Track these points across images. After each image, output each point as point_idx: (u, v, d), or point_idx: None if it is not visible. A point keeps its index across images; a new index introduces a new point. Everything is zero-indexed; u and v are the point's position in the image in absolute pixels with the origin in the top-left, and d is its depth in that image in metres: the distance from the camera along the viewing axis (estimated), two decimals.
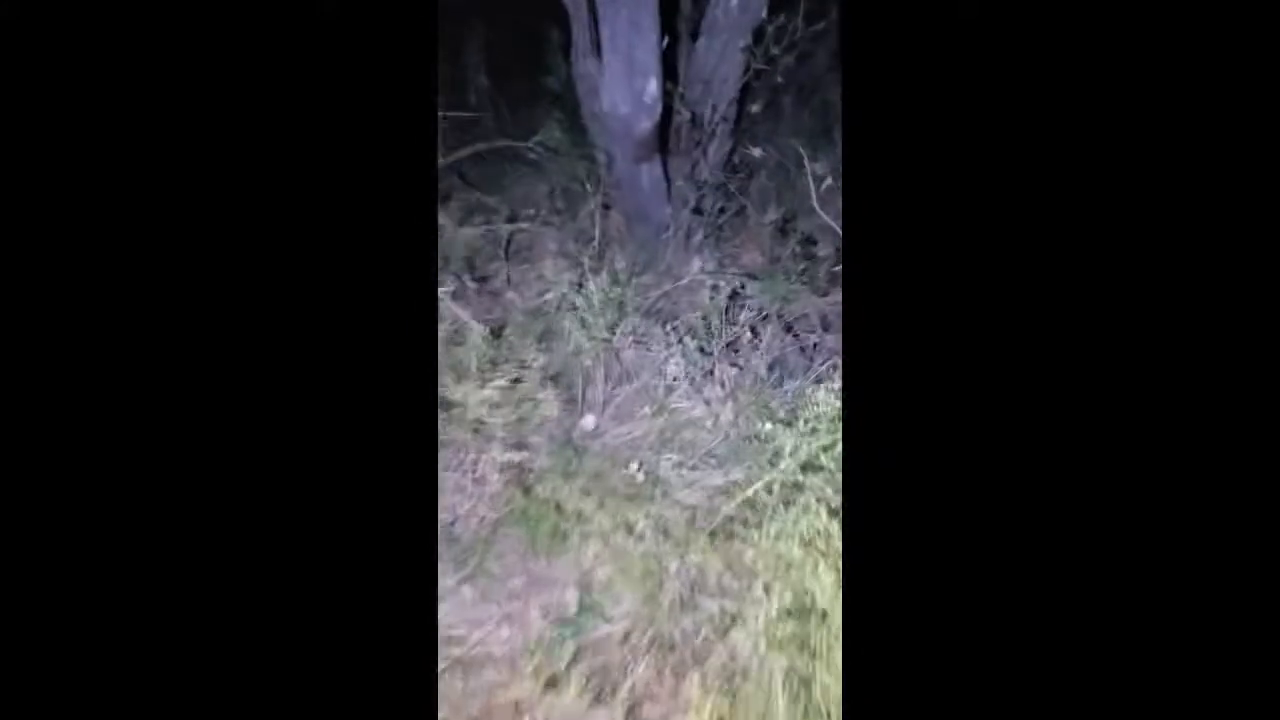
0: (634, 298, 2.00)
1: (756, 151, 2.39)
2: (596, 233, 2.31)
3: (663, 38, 2.10)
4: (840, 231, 2.05)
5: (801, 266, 2.21)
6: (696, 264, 2.56)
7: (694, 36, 2.44)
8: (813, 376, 1.77)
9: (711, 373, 1.83)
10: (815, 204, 2.02)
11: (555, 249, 2.34)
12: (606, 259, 2.29)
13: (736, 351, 1.90)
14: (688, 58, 2.50)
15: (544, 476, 1.61)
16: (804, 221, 2.38)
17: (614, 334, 1.88)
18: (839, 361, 1.73)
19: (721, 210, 2.49)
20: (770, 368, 1.85)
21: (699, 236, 2.53)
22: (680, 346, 1.86)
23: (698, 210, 2.45)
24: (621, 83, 2.06)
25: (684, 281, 2.28)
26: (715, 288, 1.96)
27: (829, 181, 1.95)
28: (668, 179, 2.49)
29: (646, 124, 2.23)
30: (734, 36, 2.43)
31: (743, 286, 2.13)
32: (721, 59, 2.47)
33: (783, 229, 2.38)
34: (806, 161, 2.12)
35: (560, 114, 2.44)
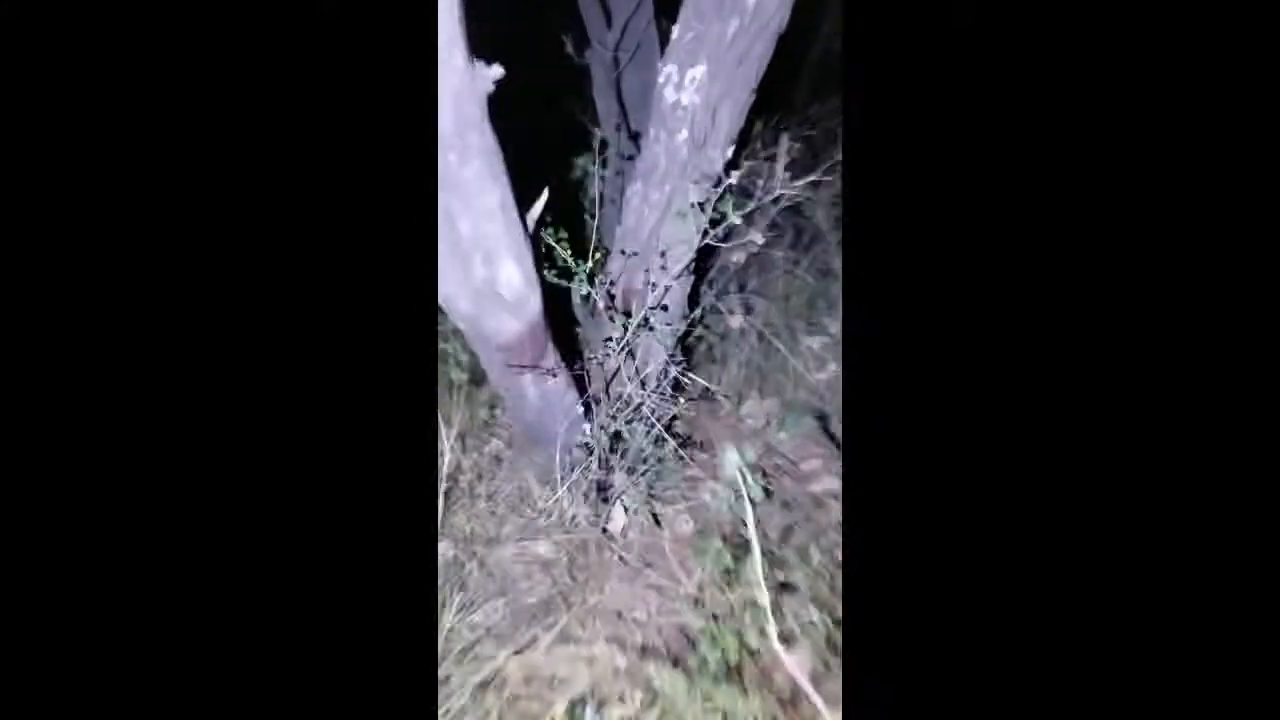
0: None
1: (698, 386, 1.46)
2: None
3: (533, 194, 1.23)
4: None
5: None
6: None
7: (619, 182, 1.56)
8: None
9: None
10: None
11: None
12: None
13: None
14: (608, 212, 1.62)
15: None
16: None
17: None
18: None
19: (660, 439, 1.55)
20: None
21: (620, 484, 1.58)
22: None
23: (616, 450, 1.52)
24: (452, 266, 1.18)
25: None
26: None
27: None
28: (583, 388, 1.58)
29: (513, 325, 1.33)
30: (681, 186, 1.56)
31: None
32: (663, 217, 1.59)
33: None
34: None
35: None
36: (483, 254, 1.18)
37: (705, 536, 1.56)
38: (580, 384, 1.63)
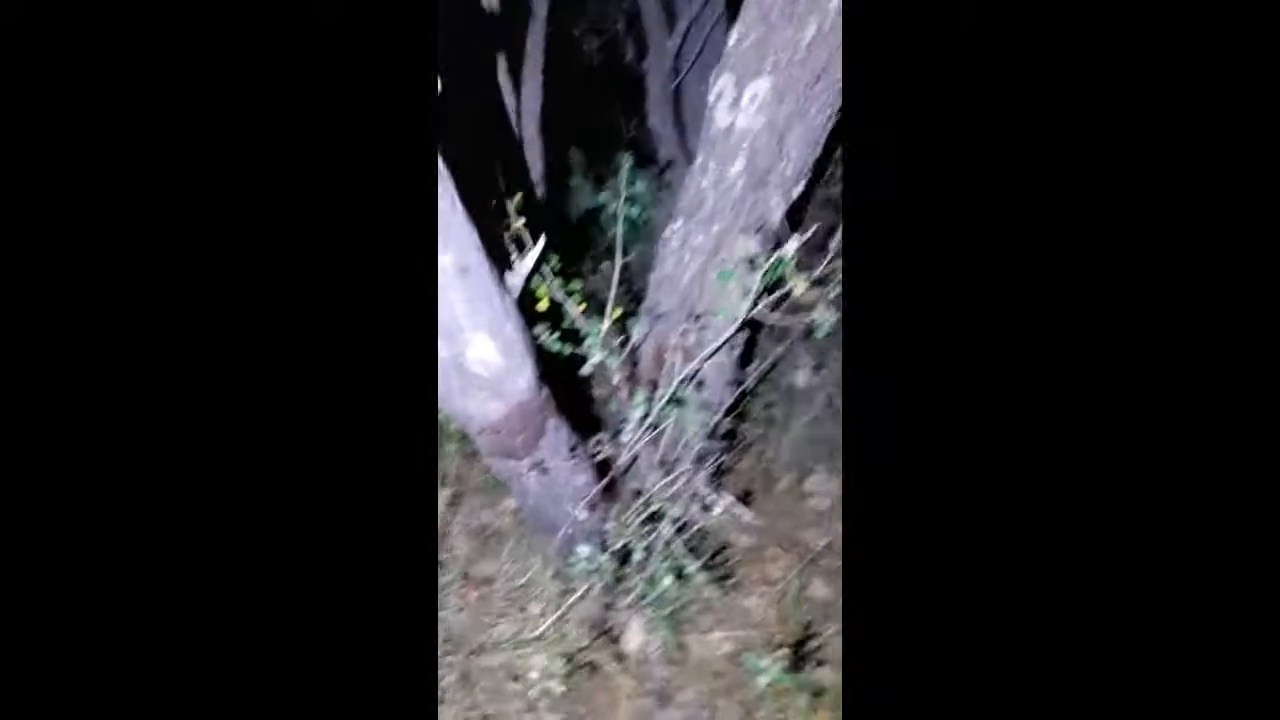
0: None
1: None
2: None
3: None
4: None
5: None
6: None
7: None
8: None
9: None
10: None
11: None
12: None
13: None
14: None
15: None
16: None
17: None
18: None
19: (680, 571, 1.21)
20: None
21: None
22: None
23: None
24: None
25: None
26: None
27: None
28: (604, 470, 1.27)
29: (495, 405, 1.03)
30: (730, 231, 1.23)
31: None
32: (706, 267, 1.26)
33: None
34: None
35: None
36: (441, 328, 0.88)
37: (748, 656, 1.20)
38: (600, 468, 1.32)
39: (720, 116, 1.19)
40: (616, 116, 1.97)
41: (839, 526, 1.57)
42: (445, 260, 0.81)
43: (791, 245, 0.97)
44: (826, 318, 1.00)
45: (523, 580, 1.53)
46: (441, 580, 1.51)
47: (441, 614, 1.45)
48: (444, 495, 1.61)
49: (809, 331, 1.05)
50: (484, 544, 1.61)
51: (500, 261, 1.01)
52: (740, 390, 1.41)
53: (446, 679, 1.35)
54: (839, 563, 1.46)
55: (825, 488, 1.80)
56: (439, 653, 1.36)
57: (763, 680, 1.06)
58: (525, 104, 1.59)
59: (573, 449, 1.25)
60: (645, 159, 1.89)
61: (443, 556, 1.54)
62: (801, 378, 1.99)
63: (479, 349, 0.93)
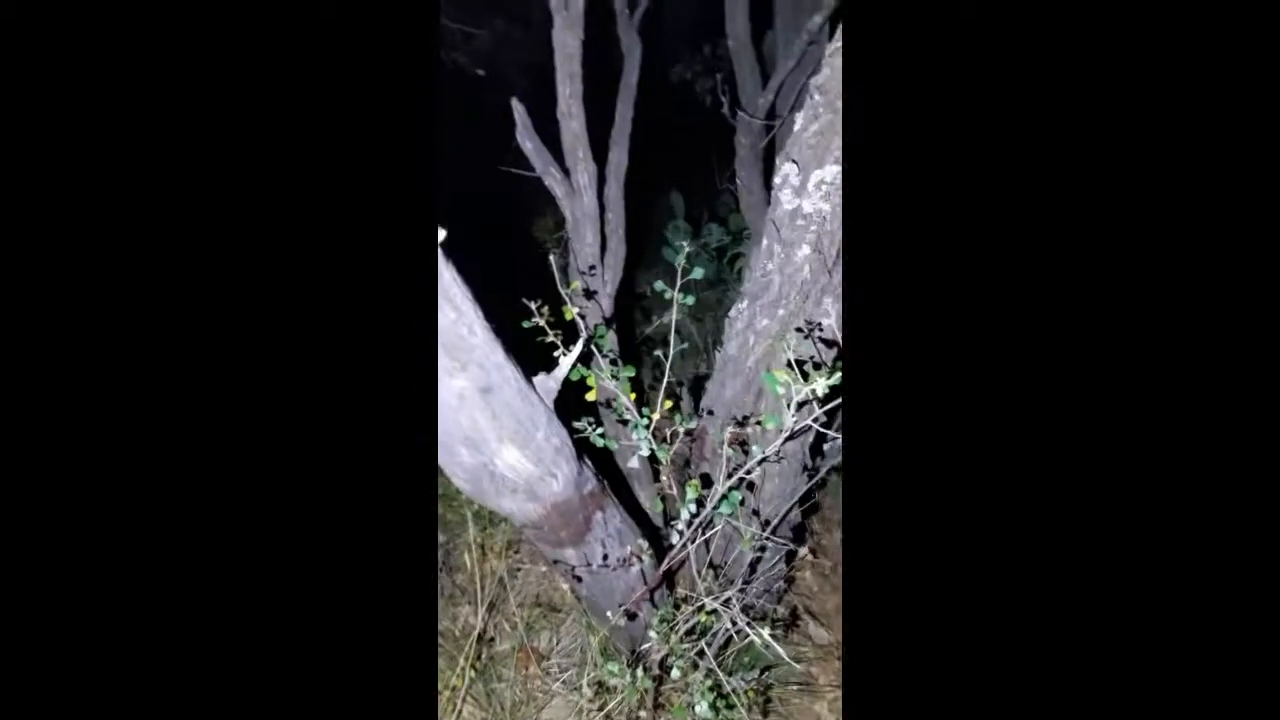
0: None
1: None
2: None
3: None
4: None
5: None
6: None
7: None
8: None
9: None
10: None
11: None
12: None
13: None
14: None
15: None
16: None
17: None
18: None
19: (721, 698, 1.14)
20: None
21: None
22: None
23: None
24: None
25: None
26: None
27: None
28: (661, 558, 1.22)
29: (532, 507, 1.02)
30: (794, 319, 1.14)
31: None
32: (774, 354, 1.17)
33: None
34: None
35: None
36: (466, 440, 0.87)
37: None
38: (658, 552, 1.26)
39: (786, 199, 1.11)
40: (711, 175, 1.91)
41: None
42: (462, 383, 0.80)
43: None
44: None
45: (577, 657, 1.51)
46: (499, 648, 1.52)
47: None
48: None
49: None
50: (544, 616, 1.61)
51: (539, 358, 0.99)
52: (795, 498, 1.30)
53: None
54: None
55: None
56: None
57: None
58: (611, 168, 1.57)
59: (625, 544, 1.21)
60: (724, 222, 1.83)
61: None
62: None
63: (507, 457, 0.91)
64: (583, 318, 1.11)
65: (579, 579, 1.26)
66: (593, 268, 1.41)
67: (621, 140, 1.56)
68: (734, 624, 1.05)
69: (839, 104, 0.98)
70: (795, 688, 1.42)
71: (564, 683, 1.44)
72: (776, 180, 1.12)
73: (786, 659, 1.04)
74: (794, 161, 1.06)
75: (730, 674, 1.10)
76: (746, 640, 1.15)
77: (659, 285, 1.14)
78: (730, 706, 1.05)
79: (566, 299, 1.09)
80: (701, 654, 1.09)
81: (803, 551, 1.32)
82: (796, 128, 1.05)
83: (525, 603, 1.59)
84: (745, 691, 1.08)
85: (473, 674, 1.40)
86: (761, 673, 1.26)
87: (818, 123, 1.02)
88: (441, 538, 1.71)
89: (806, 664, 1.45)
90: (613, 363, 1.16)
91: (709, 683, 1.05)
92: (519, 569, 1.67)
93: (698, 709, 1.00)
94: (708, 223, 1.90)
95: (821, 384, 0.84)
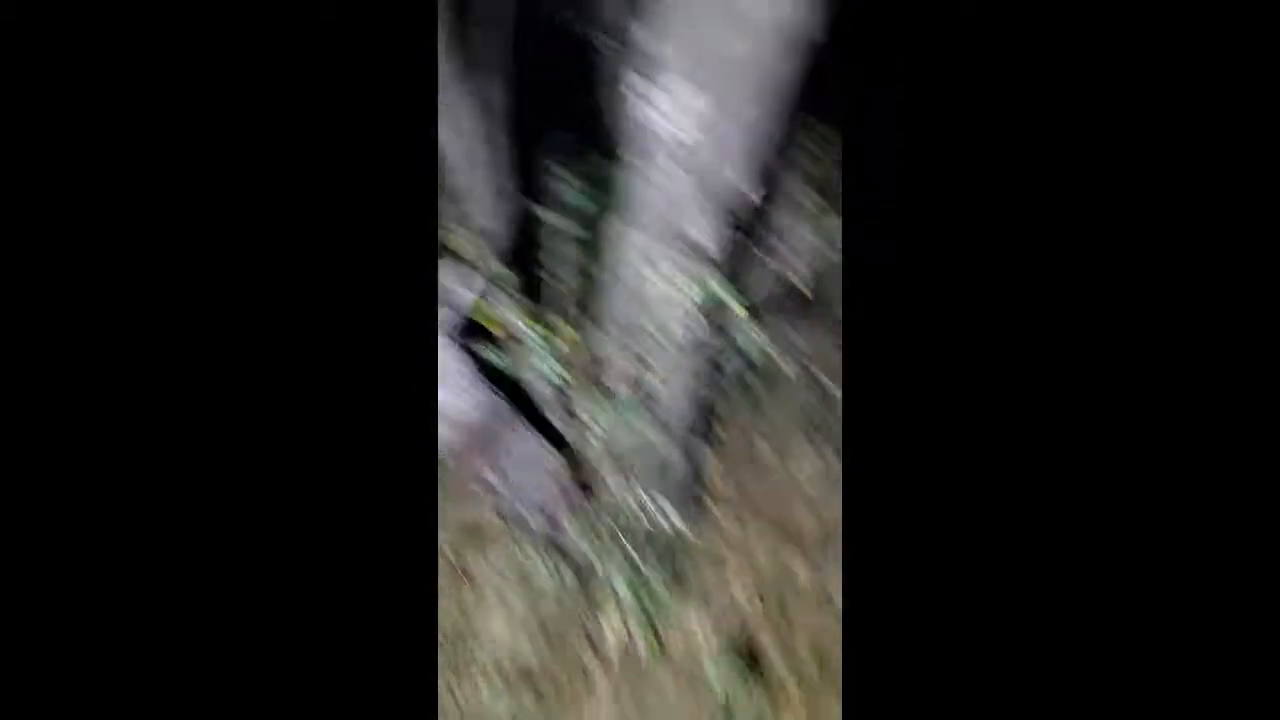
0: None
1: None
2: None
3: None
4: None
5: None
6: None
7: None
8: None
9: None
10: None
11: None
12: None
13: None
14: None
15: None
16: None
17: None
18: None
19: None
20: None
21: None
22: None
23: None
24: None
25: None
26: None
27: None
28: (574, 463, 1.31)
29: (449, 432, 1.08)
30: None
31: None
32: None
33: None
34: None
35: None
36: None
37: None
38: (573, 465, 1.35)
39: (644, 117, 1.16)
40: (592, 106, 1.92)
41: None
42: None
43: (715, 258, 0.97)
44: (752, 340, 1.01)
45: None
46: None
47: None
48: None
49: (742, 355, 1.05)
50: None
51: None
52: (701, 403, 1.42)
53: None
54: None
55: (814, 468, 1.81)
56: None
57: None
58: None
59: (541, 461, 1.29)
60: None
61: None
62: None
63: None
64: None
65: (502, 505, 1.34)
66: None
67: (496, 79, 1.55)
68: (644, 511, 1.17)
69: (701, 24, 1.03)
70: (710, 571, 1.58)
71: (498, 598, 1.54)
72: (630, 99, 1.17)
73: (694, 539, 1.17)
74: (643, 75, 1.11)
75: (646, 562, 1.23)
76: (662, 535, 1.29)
77: (546, 214, 1.18)
78: (646, 584, 1.18)
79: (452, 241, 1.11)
80: (621, 547, 1.20)
81: (707, 451, 1.45)
82: (654, 46, 1.10)
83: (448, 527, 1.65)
84: (659, 575, 1.22)
85: None
86: (675, 559, 1.40)
87: (676, 40, 1.07)
88: None
89: (716, 548, 1.61)
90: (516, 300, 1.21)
91: (628, 564, 1.17)
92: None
93: (618, 590, 1.12)
94: (587, 150, 1.92)
95: (697, 292, 0.93)
